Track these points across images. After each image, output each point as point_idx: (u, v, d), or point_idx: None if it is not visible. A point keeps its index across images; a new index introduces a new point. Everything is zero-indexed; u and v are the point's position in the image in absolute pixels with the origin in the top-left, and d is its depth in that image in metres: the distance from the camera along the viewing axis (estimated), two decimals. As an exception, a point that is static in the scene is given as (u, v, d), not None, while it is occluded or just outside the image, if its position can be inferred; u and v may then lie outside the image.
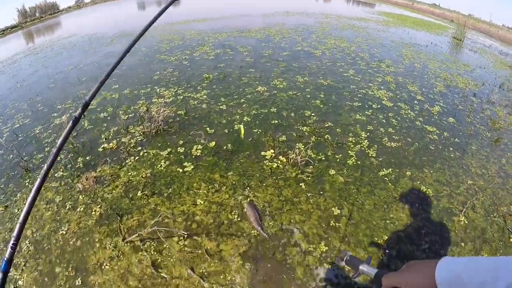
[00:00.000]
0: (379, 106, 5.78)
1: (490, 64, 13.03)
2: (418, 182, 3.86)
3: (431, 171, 4.13)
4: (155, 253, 2.98)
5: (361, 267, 1.15)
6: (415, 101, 6.40)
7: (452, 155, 4.65)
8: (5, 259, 0.83)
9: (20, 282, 3.09)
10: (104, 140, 4.64)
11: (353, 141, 4.44)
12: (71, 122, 1.07)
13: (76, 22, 22.64)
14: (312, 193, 3.40)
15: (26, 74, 8.96)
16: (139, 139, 4.46)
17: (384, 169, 3.97)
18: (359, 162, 4.00)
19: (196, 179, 3.63)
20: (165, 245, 3.00)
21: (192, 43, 9.80)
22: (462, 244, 3.19)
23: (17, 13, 26.05)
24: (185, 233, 3.03)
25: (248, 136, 4.38)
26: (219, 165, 3.81)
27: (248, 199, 3.34)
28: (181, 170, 3.77)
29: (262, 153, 3.97)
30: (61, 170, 4.23)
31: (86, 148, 4.56)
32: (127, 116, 5.09)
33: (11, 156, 4.78)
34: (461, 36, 19.09)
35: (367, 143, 4.44)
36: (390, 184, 3.74)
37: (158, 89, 6.12)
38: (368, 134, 4.71)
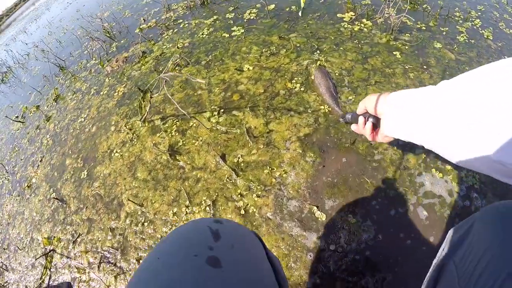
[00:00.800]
0: (488, -13, 4.24)
1: None
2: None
3: None
4: (177, 134, 2.08)
5: (347, 115, 1.28)
6: (532, -6, 4.71)
7: None
8: None
9: (33, 180, 2.64)
10: (142, 21, 3.89)
11: (462, 16, 3.07)
12: None
13: None
14: (412, 66, 2.17)
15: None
16: (181, 13, 3.57)
17: (505, 56, 2.61)
18: (472, 41, 2.65)
19: (246, 42, 2.58)
20: (191, 123, 2.08)
21: None
22: None
23: None
24: (202, 81, 2.03)
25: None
26: (279, 27, 2.68)
27: (318, 63, 2.18)
28: (227, 35, 2.77)
29: (339, 15, 2.74)
30: (94, 59, 3.72)
31: (123, 33, 3.91)
32: (167, -3, 4.19)
33: (52, 60, 4.42)
34: None
35: (480, 22, 3.07)
36: (512, 73, 2.37)
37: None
38: (479, 13, 3.29)
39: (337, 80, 2.05)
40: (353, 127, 1.17)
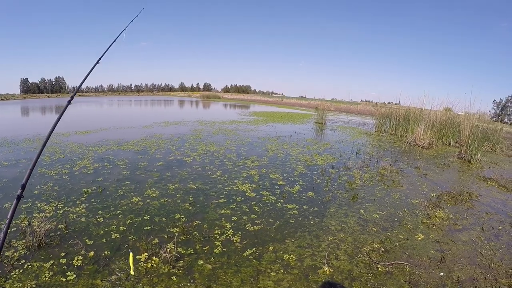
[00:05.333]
0: (242, 198, 6.87)
1: (348, 137, 16.64)
2: (281, 252, 4.62)
3: (293, 240, 5.00)
4: None
5: None
6: (276, 187, 7.71)
7: (311, 222, 5.71)
8: None
9: None
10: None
11: (219, 232, 5.23)
12: (15, 201, 1.47)
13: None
14: (183, 283, 3.87)
15: None
16: (23, 253, 4.49)
17: (248, 249, 4.69)
18: (225, 249, 4.70)
19: (80, 286, 3.82)
20: None
21: (72, 157, 10.20)
22: (331, 288, 3.87)
23: None
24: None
25: (125, 243, 4.84)
26: (100, 272, 4.10)
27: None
28: (64, 280, 3.91)
29: (137, 256, 4.40)
30: None
31: (-34, 257, 4.31)
32: (8, 230, 5.02)
33: None
34: (323, 120, 23.37)
35: (232, 231, 5.27)
36: (254, 260, 4.41)
37: (39, 204, 6.28)
38: (232, 224, 5.57)
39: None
40: None
